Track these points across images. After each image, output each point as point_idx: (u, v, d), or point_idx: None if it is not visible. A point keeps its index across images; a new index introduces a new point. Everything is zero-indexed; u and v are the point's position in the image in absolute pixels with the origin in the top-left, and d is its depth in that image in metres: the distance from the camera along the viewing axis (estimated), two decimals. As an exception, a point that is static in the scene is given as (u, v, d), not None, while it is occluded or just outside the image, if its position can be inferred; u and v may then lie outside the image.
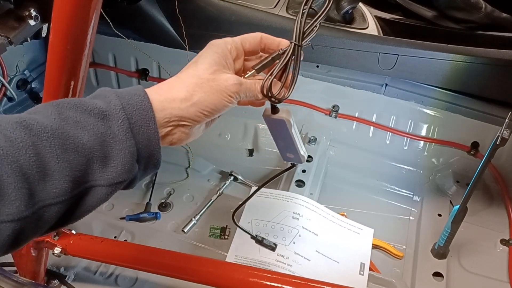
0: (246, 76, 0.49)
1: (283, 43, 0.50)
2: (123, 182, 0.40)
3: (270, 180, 0.69)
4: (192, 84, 0.44)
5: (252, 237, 1.09)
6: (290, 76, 0.49)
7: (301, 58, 0.48)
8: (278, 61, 0.48)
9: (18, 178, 0.34)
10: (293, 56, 0.48)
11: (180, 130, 0.45)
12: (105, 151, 0.39)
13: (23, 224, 0.35)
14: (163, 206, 1.25)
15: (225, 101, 0.45)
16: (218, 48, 0.47)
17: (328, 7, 0.48)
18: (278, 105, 0.51)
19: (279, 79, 0.48)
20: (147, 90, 0.43)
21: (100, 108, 0.39)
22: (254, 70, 0.49)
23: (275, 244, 1.07)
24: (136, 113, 0.40)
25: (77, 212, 0.40)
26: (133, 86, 0.44)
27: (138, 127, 0.40)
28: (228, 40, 0.48)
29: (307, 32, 0.48)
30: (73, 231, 0.93)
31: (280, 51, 0.49)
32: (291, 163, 0.61)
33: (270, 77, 0.47)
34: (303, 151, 0.57)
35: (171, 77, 0.46)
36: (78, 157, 0.37)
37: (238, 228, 1.13)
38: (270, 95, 0.47)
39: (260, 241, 1.08)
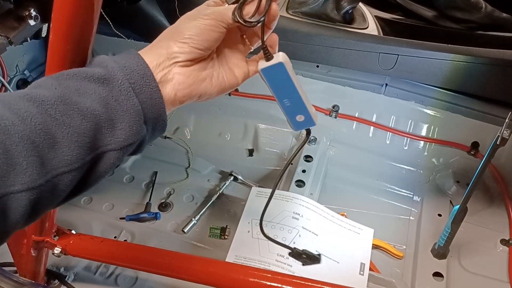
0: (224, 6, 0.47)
1: None
2: (132, 144, 0.40)
3: (278, 180, 0.64)
4: (172, 27, 0.45)
5: (290, 249, 0.93)
6: None
7: None
8: None
9: (27, 146, 0.34)
10: None
11: (176, 72, 0.44)
12: (110, 114, 0.39)
13: (38, 193, 0.35)
14: (163, 206, 1.25)
15: (204, 24, 0.44)
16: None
17: None
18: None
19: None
20: (140, 51, 0.44)
21: (99, 73, 0.40)
22: None
23: (319, 255, 1.01)
24: (134, 73, 0.41)
25: (91, 178, 0.40)
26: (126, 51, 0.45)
27: (139, 86, 0.41)
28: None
29: None
30: (73, 231, 0.93)
31: None
32: (306, 130, 0.54)
33: None
34: (309, 105, 0.51)
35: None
36: (84, 123, 0.38)
37: (238, 228, 1.13)
38: (238, 17, 0.45)
39: (299, 253, 0.96)
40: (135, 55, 0.42)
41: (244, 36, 0.50)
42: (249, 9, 0.46)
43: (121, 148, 0.40)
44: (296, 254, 0.96)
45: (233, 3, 0.46)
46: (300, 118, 0.51)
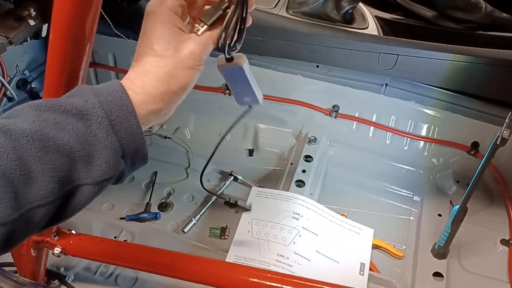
0: (199, 33, 0.45)
1: None
2: (109, 179, 0.40)
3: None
4: (163, 74, 0.43)
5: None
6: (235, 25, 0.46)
7: (251, 9, 0.46)
8: (228, 11, 0.45)
9: (2, 183, 0.34)
10: (241, 5, 0.45)
11: (160, 118, 0.45)
12: (87, 150, 0.39)
13: (12, 227, 0.35)
14: (163, 206, 1.25)
15: (196, 71, 0.44)
16: (163, 16, 0.45)
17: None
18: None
19: (233, 31, 0.46)
20: (123, 83, 0.43)
21: (77, 107, 0.39)
22: (206, 25, 0.45)
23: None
24: (115, 109, 0.40)
25: (66, 211, 0.40)
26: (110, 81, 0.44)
27: (119, 123, 0.40)
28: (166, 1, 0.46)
29: None
30: (73, 231, 0.93)
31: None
32: (249, 106, 0.60)
33: (226, 30, 0.45)
34: (259, 92, 0.56)
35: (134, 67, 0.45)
36: (60, 158, 0.37)
37: (238, 228, 1.13)
38: (227, 49, 0.46)
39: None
40: (118, 88, 0.41)
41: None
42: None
43: (97, 183, 0.39)
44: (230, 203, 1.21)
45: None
46: (247, 99, 0.56)
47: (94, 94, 0.40)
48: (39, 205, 0.37)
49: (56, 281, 1.04)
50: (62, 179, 0.38)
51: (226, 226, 1.18)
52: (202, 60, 0.44)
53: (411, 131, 1.33)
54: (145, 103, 0.42)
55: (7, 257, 0.94)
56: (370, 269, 1.06)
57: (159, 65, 0.43)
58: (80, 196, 0.39)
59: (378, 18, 1.19)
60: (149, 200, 1.24)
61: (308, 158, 1.34)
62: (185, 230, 1.17)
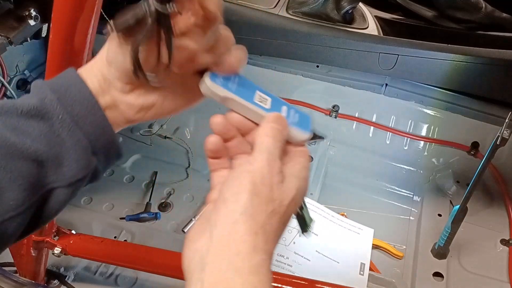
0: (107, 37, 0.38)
1: None
2: (83, 179, 0.37)
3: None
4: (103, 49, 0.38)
5: None
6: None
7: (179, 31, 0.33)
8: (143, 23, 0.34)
9: None
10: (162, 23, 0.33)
11: (117, 97, 0.38)
12: (54, 151, 0.36)
13: None
14: (163, 206, 1.25)
15: (113, 51, 0.36)
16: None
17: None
18: None
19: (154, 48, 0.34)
20: (80, 72, 0.38)
21: (35, 107, 0.36)
22: (113, 27, 0.36)
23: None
24: (76, 104, 0.36)
25: (42, 217, 0.38)
26: (65, 71, 0.38)
27: (83, 117, 0.36)
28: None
29: None
30: (73, 231, 0.93)
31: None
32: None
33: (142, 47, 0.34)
34: None
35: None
36: (27, 164, 0.35)
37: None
38: (140, 73, 0.35)
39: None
40: (76, 79, 0.37)
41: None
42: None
43: (69, 185, 0.37)
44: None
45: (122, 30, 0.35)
46: None
47: (50, 90, 0.36)
48: (12, 216, 0.34)
49: (56, 281, 1.04)
50: (33, 185, 0.35)
51: (226, 226, 1.18)
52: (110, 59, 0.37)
53: (411, 131, 1.33)
54: (101, 86, 0.38)
55: (7, 257, 0.94)
56: (370, 269, 1.06)
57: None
58: (54, 201, 0.37)
59: (378, 18, 1.19)
60: (149, 200, 1.24)
61: (308, 158, 1.34)
62: (185, 230, 1.17)
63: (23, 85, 1.36)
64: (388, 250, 1.13)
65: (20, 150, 0.34)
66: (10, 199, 0.34)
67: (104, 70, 0.38)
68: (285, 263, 1.04)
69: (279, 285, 0.79)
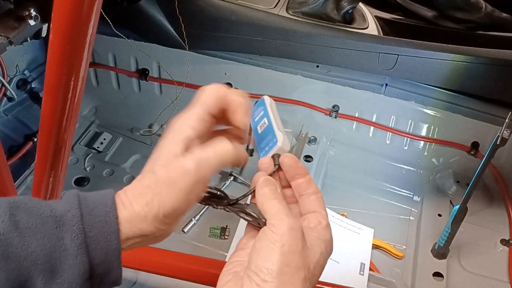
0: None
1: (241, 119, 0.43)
2: None
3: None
4: (151, 192, 0.38)
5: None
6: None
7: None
8: None
9: None
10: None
11: (143, 242, 0.40)
12: (52, 264, 0.35)
13: None
14: (163, 206, 1.24)
15: (186, 199, 0.39)
16: (175, 133, 0.41)
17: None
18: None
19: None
20: (117, 196, 0.38)
21: (56, 214, 0.36)
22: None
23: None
24: (96, 225, 0.36)
25: None
26: (105, 190, 0.39)
27: (95, 242, 0.36)
28: (187, 119, 0.41)
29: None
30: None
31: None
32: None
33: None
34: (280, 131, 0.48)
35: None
36: (19, 268, 0.33)
37: (238, 228, 1.13)
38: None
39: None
40: (108, 203, 0.37)
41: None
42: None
43: None
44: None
45: None
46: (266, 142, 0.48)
47: (78, 204, 0.37)
48: None
49: (56, 281, 1.04)
50: None
51: (226, 226, 1.18)
52: (192, 183, 0.39)
53: (411, 131, 1.33)
54: (131, 222, 0.38)
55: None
56: (370, 269, 1.06)
57: (151, 181, 0.39)
58: None
59: (378, 18, 1.19)
60: (149, 200, 1.24)
61: (308, 158, 1.34)
62: (185, 230, 1.17)
63: (23, 85, 1.36)
64: (388, 250, 1.13)
65: (19, 253, 0.34)
66: None
67: (148, 225, 0.38)
68: (285, 263, 1.04)
69: (279, 285, 0.79)
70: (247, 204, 0.44)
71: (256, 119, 0.49)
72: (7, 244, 0.33)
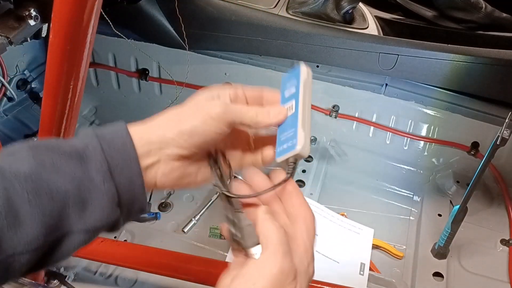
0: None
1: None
2: (102, 227, 0.38)
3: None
4: (173, 113, 0.41)
5: None
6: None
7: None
8: None
9: None
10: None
11: (163, 162, 0.40)
12: (82, 195, 0.36)
13: None
14: (163, 206, 1.25)
15: (207, 125, 0.40)
16: (214, 90, 0.43)
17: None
18: None
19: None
20: (130, 127, 0.40)
21: (77, 150, 0.37)
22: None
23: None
24: (116, 154, 0.38)
25: (51, 259, 0.37)
26: (115, 122, 0.40)
27: (119, 169, 0.38)
28: (226, 86, 0.45)
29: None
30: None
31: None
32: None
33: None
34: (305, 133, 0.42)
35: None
36: (52, 202, 0.35)
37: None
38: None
39: None
40: (122, 132, 0.39)
41: (251, 139, 0.49)
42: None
43: (88, 231, 0.37)
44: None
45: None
46: (285, 141, 0.44)
47: (96, 137, 0.38)
48: (23, 252, 0.34)
49: (56, 281, 1.04)
50: (51, 225, 0.35)
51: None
52: (216, 114, 0.40)
53: (411, 131, 1.33)
54: (144, 137, 0.40)
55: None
56: (370, 269, 1.06)
57: (175, 111, 0.42)
58: (67, 244, 0.37)
59: (378, 18, 1.19)
60: (149, 200, 1.24)
61: (308, 158, 1.34)
62: (185, 230, 1.17)
63: (23, 85, 1.36)
64: (388, 250, 1.13)
65: (50, 187, 0.35)
66: (25, 234, 0.34)
67: (165, 138, 0.40)
68: (285, 263, 1.04)
69: (279, 285, 0.79)
70: (240, 211, 0.43)
71: (286, 95, 0.42)
72: (37, 182, 0.35)
